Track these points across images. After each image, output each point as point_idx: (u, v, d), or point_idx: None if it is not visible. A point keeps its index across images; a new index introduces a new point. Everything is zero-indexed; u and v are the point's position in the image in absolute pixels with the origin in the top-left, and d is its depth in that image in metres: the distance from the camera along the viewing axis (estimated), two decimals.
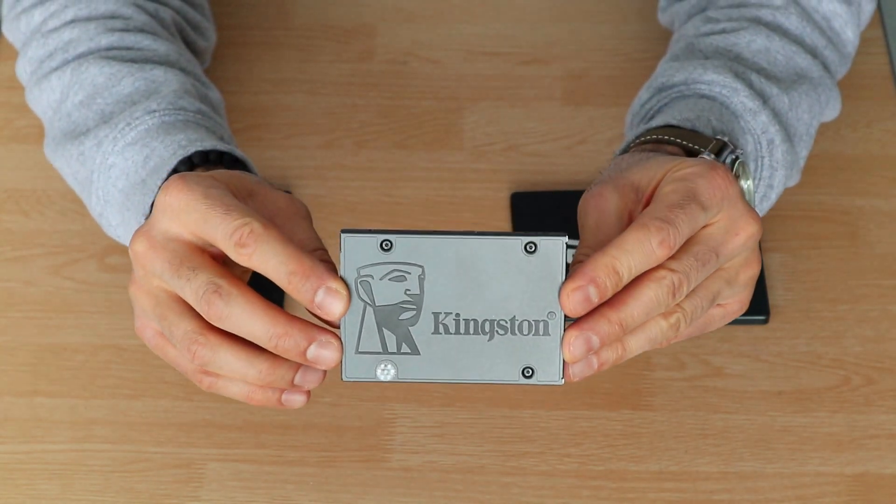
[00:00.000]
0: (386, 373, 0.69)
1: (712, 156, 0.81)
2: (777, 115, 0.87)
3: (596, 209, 0.74)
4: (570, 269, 0.69)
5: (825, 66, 0.92)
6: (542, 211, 1.00)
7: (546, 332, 0.69)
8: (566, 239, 0.68)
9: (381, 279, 0.68)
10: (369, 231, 0.68)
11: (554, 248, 0.68)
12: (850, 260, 0.99)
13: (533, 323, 0.68)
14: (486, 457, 0.90)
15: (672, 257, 0.70)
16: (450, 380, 0.69)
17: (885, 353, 0.94)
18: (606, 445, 0.90)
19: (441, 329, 0.68)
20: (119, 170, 0.85)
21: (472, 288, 0.68)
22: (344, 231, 0.68)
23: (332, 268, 0.70)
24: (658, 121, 0.85)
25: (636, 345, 0.71)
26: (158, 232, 0.71)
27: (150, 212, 0.80)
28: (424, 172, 1.04)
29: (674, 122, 0.84)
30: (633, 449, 0.90)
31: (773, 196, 0.88)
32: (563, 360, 0.69)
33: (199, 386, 0.73)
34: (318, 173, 1.03)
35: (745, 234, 0.73)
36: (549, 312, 0.68)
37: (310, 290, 0.67)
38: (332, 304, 0.68)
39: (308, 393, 0.72)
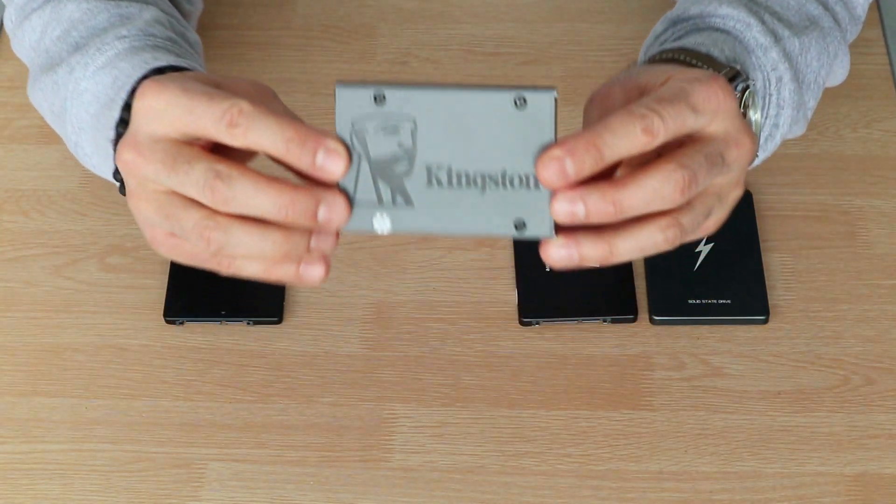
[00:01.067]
0: (382, 223, 0.69)
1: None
2: (787, 55, 0.87)
3: (601, 105, 0.74)
4: None
5: (835, 20, 0.92)
6: None
7: (537, 187, 0.68)
8: (556, 93, 0.68)
9: (374, 132, 0.68)
10: (363, 83, 0.68)
11: (543, 102, 0.67)
12: (850, 260, 0.99)
13: (524, 177, 0.68)
14: (486, 457, 0.90)
15: (682, 153, 0.69)
16: (444, 231, 0.69)
17: (884, 353, 0.94)
18: (606, 445, 0.91)
19: (434, 182, 0.68)
20: (91, 94, 0.85)
21: (464, 141, 0.68)
22: (339, 83, 0.68)
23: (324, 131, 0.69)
24: (674, 45, 0.85)
25: (624, 248, 0.69)
26: (143, 136, 0.70)
27: (118, 129, 0.81)
28: None
29: (689, 46, 0.84)
30: (633, 449, 0.90)
31: (778, 137, 0.88)
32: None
33: (220, 271, 0.72)
34: None
35: (743, 147, 0.71)
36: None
37: (309, 153, 0.67)
38: (332, 163, 0.67)
39: (326, 264, 0.71)
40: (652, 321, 0.95)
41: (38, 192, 1.03)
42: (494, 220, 0.68)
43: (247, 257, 0.71)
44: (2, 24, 1.14)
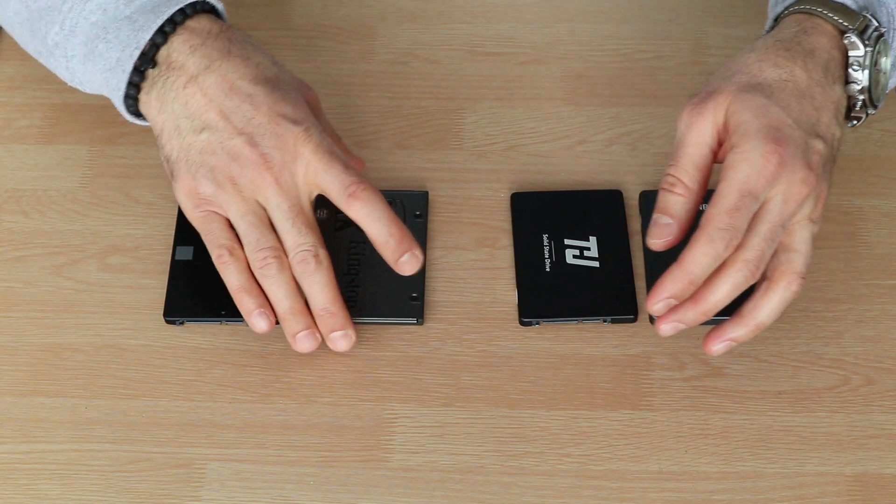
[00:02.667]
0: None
1: (858, 35, 0.89)
2: None
3: (695, 130, 0.86)
4: (656, 202, 0.87)
5: None
6: (541, 211, 1.00)
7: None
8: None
9: None
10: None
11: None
12: (850, 260, 0.99)
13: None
14: (486, 457, 0.90)
15: (743, 246, 0.84)
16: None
17: (885, 353, 0.94)
18: (606, 445, 0.90)
19: None
20: (95, 4, 0.87)
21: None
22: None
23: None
24: None
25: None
26: (289, 173, 0.88)
27: (146, 45, 0.90)
28: (424, 172, 1.04)
29: None
30: (633, 449, 0.90)
31: None
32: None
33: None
34: None
35: (800, 197, 0.85)
36: None
37: (399, 252, 0.89)
38: (413, 266, 0.90)
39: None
40: (652, 321, 0.95)
41: (38, 192, 1.03)
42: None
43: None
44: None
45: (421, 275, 0.95)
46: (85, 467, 0.90)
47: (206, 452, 0.90)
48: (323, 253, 0.89)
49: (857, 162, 1.04)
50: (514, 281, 0.97)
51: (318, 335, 0.92)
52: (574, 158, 1.04)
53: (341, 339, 0.92)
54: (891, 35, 0.92)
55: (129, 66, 0.90)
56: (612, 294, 0.96)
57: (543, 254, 0.97)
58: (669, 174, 0.86)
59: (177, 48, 0.90)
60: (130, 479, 0.89)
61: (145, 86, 0.91)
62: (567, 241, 0.97)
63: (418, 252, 0.89)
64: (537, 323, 0.95)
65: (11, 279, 0.99)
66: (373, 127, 1.07)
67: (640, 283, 0.97)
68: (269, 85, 0.90)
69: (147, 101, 0.91)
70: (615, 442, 0.91)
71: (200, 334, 0.96)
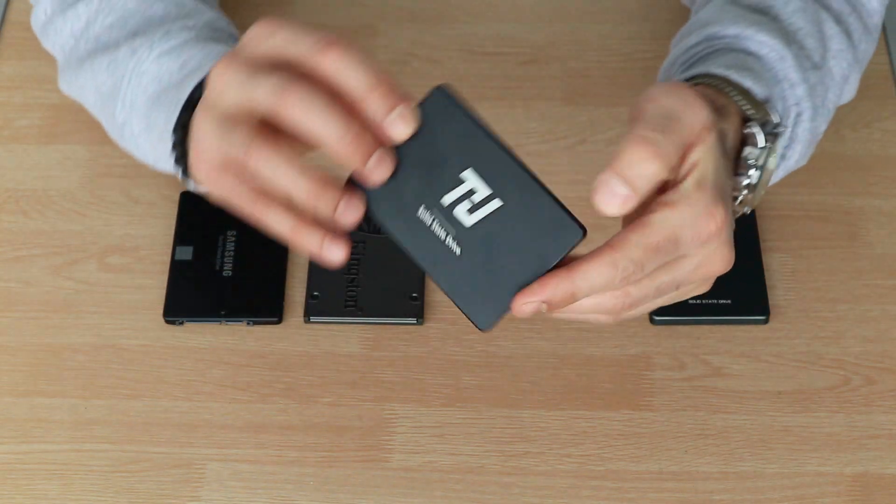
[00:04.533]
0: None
1: (759, 129, 0.80)
2: (811, 91, 0.87)
3: (694, 111, 0.73)
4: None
5: (848, 34, 0.92)
6: None
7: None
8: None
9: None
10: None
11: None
12: (850, 260, 0.99)
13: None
14: (486, 457, 0.90)
15: (633, 281, 0.71)
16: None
17: (885, 353, 0.94)
18: (606, 445, 0.91)
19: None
20: (151, 76, 0.86)
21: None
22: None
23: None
24: (710, 67, 0.85)
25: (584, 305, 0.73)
26: (242, 51, 0.72)
27: (185, 108, 0.82)
28: None
29: (734, 77, 0.83)
30: (633, 449, 0.90)
31: (781, 172, 0.89)
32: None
33: (256, 218, 0.72)
34: None
35: (711, 274, 0.75)
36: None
37: (387, 105, 0.68)
38: (404, 124, 0.69)
39: (347, 248, 0.71)
40: (652, 321, 0.95)
41: (38, 192, 1.03)
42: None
43: (279, 213, 0.71)
44: (1, 24, 1.14)
45: (421, 275, 0.95)
46: (85, 467, 0.90)
47: (205, 452, 0.90)
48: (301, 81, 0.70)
49: (857, 162, 1.04)
50: None
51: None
52: (574, 158, 1.04)
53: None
54: (782, 133, 0.85)
55: (170, 133, 0.86)
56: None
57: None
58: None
59: None
60: (130, 479, 0.89)
61: None
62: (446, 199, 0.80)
63: (410, 109, 0.69)
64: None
65: (11, 279, 0.99)
66: None
67: None
68: None
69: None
70: (615, 442, 0.91)
71: (200, 334, 0.96)
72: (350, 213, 0.70)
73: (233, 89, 0.71)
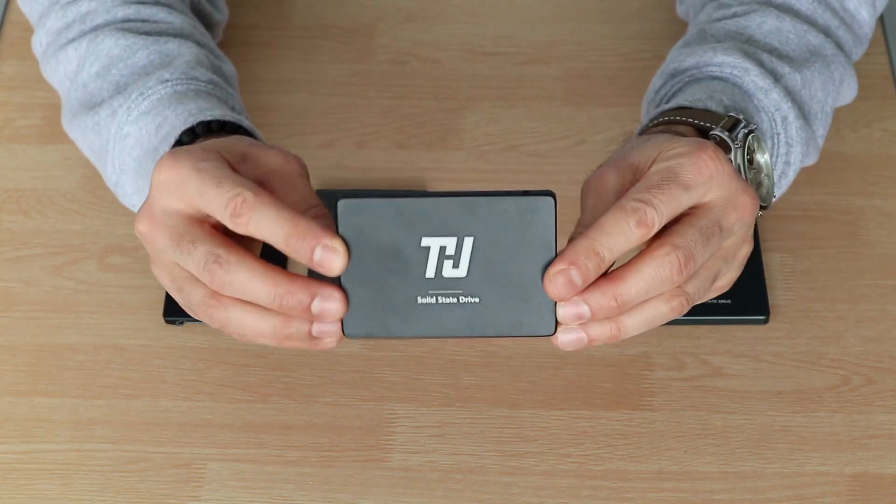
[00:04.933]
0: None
1: (725, 132, 0.81)
2: (790, 93, 0.87)
3: (595, 190, 0.75)
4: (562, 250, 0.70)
5: (838, 45, 0.92)
6: None
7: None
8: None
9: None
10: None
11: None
12: (850, 260, 0.99)
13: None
14: (486, 457, 0.90)
15: (675, 232, 0.71)
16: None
17: (885, 353, 0.94)
18: (606, 445, 0.90)
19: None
20: (133, 139, 0.86)
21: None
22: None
23: (329, 223, 0.71)
24: (671, 104, 0.85)
25: (632, 325, 0.72)
26: (158, 209, 0.72)
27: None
28: (424, 172, 1.04)
29: (686, 103, 0.84)
30: (633, 449, 0.90)
31: (791, 173, 0.88)
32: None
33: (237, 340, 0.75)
34: (319, 173, 1.03)
35: (742, 209, 0.73)
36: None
37: (307, 250, 0.68)
38: (330, 261, 0.69)
39: (337, 337, 0.72)
40: None
41: (38, 192, 1.03)
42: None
43: (251, 336, 0.73)
44: (1, 24, 1.14)
45: None
46: (85, 467, 0.90)
47: (205, 452, 0.90)
48: (225, 251, 0.71)
49: (857, 162, 1.04)
50: None
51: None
52: (574, 158, 1.04)
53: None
54: (776, 140, 0.87)
55: None
56: None
57: None
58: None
59: None
60: (130, 479, 0.89)
61: None
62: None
63: (330, 241, 0.68)
64: None
65: (11, 279, 0.99)
66: (373, 127, 1.07)
67: None
68: None
69: None
70: (615, 442, 0.91)
71: (200, 334, 0.96)
72: (332, 341, 0.72)
73: (167, 255, 0.73)
